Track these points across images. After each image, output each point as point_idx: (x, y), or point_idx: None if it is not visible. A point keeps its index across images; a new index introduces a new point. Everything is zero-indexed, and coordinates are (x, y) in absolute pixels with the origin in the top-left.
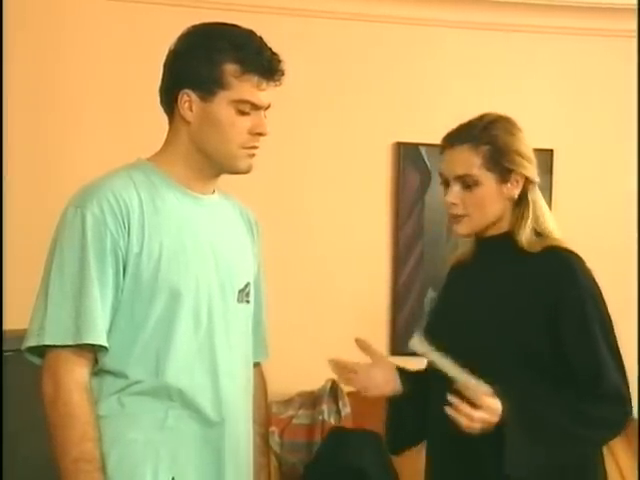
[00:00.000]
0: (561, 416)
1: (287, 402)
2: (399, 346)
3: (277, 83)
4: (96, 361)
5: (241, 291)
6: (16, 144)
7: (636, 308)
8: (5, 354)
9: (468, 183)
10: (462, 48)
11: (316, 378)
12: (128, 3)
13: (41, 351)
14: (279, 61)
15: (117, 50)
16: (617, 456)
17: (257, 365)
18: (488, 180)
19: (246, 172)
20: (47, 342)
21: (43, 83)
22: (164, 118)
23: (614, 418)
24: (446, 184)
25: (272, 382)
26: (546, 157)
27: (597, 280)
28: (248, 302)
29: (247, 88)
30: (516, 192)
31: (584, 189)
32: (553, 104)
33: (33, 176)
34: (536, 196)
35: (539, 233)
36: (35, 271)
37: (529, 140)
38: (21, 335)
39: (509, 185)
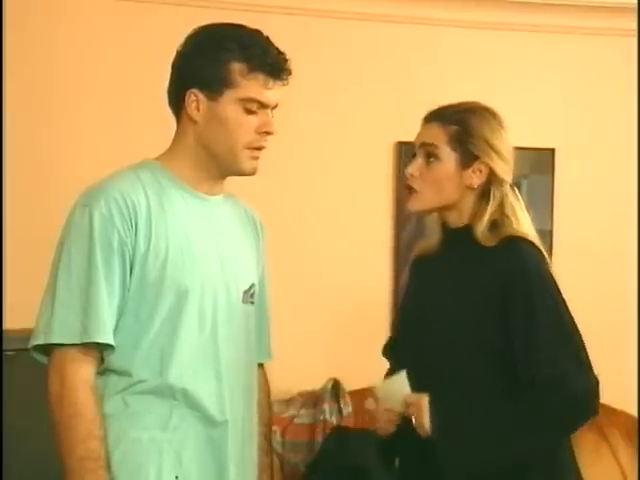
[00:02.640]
0: (497, 416)
1: (288, 401)
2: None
3: (284, 82)
4: (102, 360)
5: (246, 292)
6: (17, 144)
7: (636, 308)
8: (6, 353)
9: (430, 154)
10: (463, 47)
11: (317, 377)
12: (131, 2)
13: (47, 350)
14: (285, 60)
15: (120, 50)
16: (618, 454)
17: (260, 366)
18: (449, 159)
19: (251, 174)
20: (54, 341)
21: (45, 82)
22: (167, 118)
23: (551, 404)
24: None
25: (273, 381)
26: (547, 156)
27: (598, 273)
28: (252, 303)
29: (254, 86)
30: (476, 181)
31: (585, 188)
32: (554, 103)
33: (34, 175)
34: (504, 193)
35: (499, 225)
36: (35, 271)
37: (530, 140)
38: (21, 335)
39: (470, 172)
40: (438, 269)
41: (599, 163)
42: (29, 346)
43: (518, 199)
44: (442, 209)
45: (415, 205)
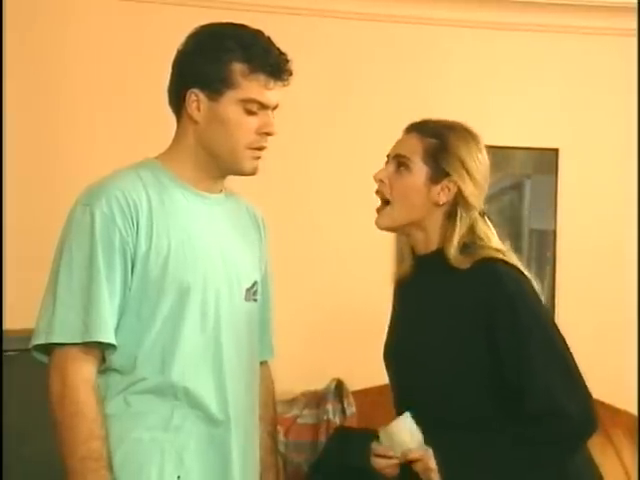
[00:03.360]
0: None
1: (292, 401)
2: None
3: (285, 83)
4: (103, 359)
5: (249, 290)
6: (17, 143)
7: (636, 307)
8: (6, 354)
9: (401, 164)
10: (467, 47)
11: (321, 377)
12: (133, 2)
13: (48, 349)
14: (287, 61)
15: (122, 49)
16: (622, 454)
17: (264, 364)
18: (420, 171)
19: (251, 174)
20: (55, 340)
21: (46, 81)
22: (168, 118)
23: (546, 434)
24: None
25: (276, 381)
26: (551, 156)
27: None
28: (255, 301)
29: (255, 87)
30: (443, 199)
31: (589, 188)
32: (558, 103)
33: (34, 175)
34: (474, 218)
35: (470, 247)
36: (35, 271)
37: (534, 140)
38: (21, 335)
39: (438, 188)
40: (414, 296)
41: (602, 163)
42: (30, 346)
43: (489, 226)
44: (409, 227)
45: (383, 222)
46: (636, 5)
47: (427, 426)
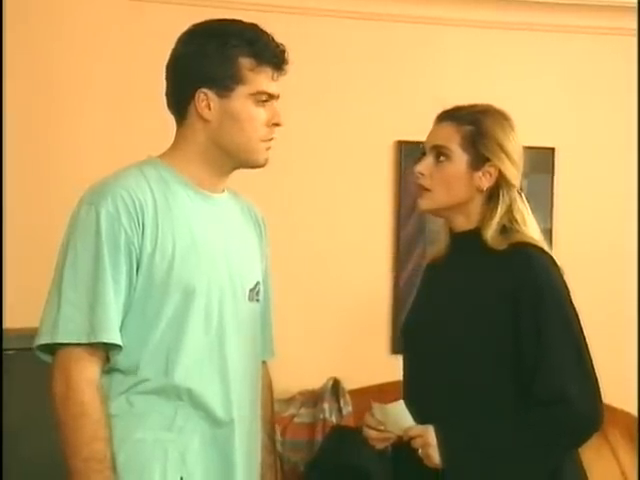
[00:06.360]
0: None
1: (288, 401)
2: (400, 345)
3: (284, 73)
4: (107, 359)
5: (251, 290)
6: (17, 142)
7: (636, 308)
8: (6, 353)
9: (441, 155)
10: (464, 46)
11: (317, 376)
12: (133, 1)
13: (52, 349)
14: (284, 51)
15: (121, 49)
16: (618, 454)
17: (263, 364)
18: (460, 160)
19: (264, 165)
20: (60, 340)
21: (46, 81)
22: (168, 117)
23: (551, 421)
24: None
25: (273, 380)
26: (547, 155)
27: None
28: (258, 301)
29: (263, 80)
30: (485, 184)
31: (585, 187)
32: (555, 102)
33: (34, 174)
34: (513, 197)
35: (508, 230)
36: (36, 270)
37: (530, 139)
38: (21, 334)
39: (480, 174)
40: (446, 274)
41: (599, 162)
42: (34, 345)
43: (525, 204)
44: (450, 210)
45: (425, 204)
46: (636, 5)
47: (433, 410)
